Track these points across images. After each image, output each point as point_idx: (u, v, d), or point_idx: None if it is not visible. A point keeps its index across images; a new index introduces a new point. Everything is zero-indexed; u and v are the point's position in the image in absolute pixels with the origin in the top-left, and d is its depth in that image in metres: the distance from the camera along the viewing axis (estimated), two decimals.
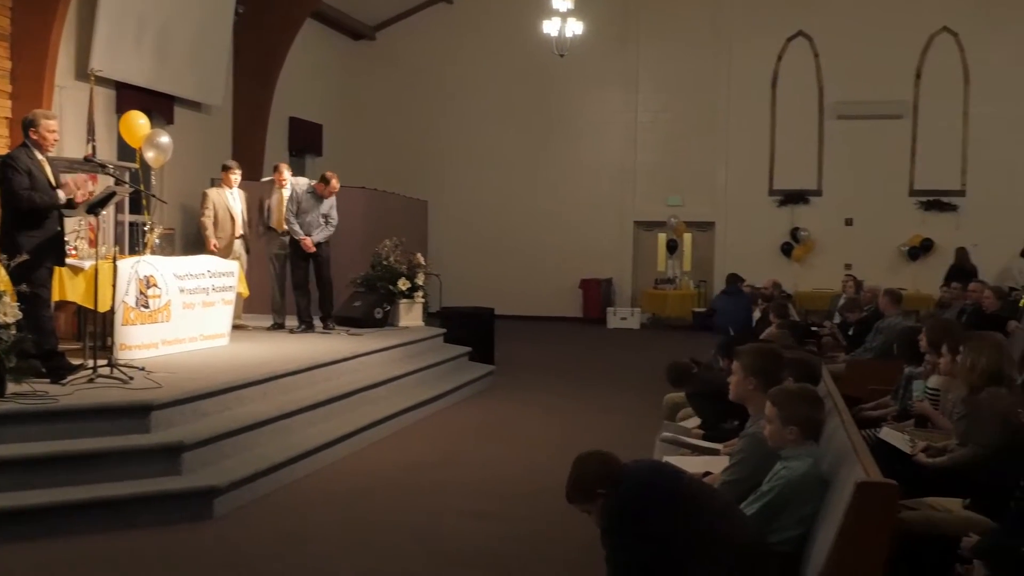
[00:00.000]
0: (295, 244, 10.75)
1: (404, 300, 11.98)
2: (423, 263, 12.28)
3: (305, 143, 19.18)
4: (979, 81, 19.02)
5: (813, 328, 11.51)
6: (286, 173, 11.27)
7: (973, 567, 3.45)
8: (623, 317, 19.87)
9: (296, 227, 10.67)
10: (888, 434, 5.48)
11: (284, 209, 10.91)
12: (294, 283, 10.88)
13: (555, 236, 20.67)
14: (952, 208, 19.20)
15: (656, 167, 20.39)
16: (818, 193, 19.84)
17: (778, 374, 4.53)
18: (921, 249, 19.14)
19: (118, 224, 10.87)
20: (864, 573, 3.10)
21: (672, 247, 20.18)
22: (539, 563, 5.27)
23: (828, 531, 3.35)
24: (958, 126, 19.16)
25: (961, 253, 17.69)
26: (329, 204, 10.83)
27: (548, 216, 20.75)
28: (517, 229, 20.83)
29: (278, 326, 11.14)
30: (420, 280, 12.15)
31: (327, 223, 10.79)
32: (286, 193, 11.02)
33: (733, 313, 13.27)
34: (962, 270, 15.68)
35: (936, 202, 19.23)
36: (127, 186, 8.33)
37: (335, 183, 10.75)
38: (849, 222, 19.65)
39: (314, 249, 10.68)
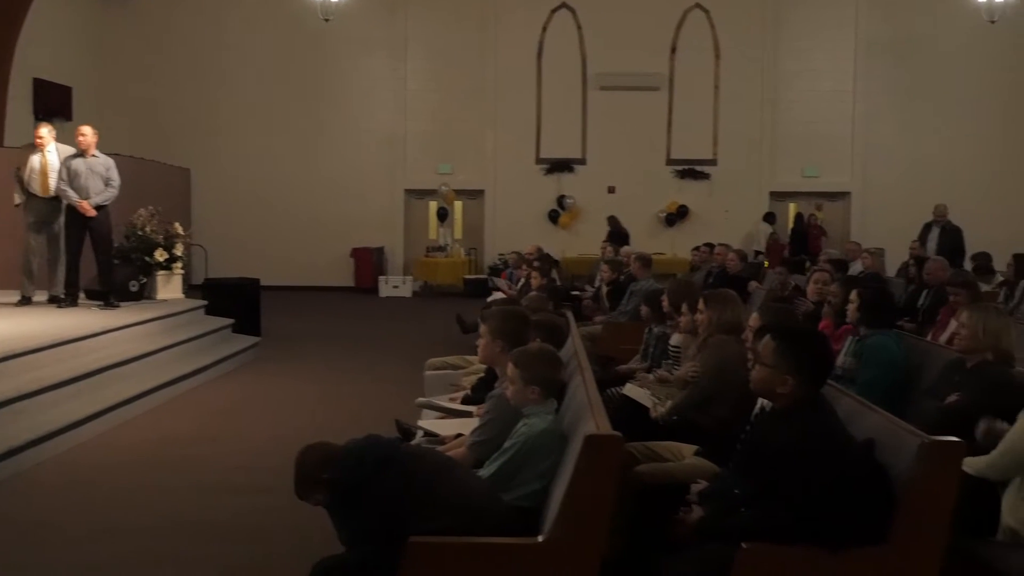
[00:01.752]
0: (71, 211, 10.12)
1: (162, 272, 11.50)
2: (182, 233, 11.82)
3: (52, 106, 17.90)
4: (728, 57, 20.14)
5: (574, 292, 11.92)
6: (43, 131, 10.47)
7: (692, 510, 3.67)
8: (395, 285, 19.89)
9: (71, 193, 10.02)
10: (631, 390, 5.76)
11: (49, 173, 10.25)
12: (68, 253, 10.26)
13: (325, 205, 20.38)
14: (705, 176, 20.32)
15: (426, 135, 20.43)
16: (583, 162, 20.49)
17: (523, 336, 4.65)
18: (678, 215, 20.16)
19: None
20: (592, 521, 3.24)
21: (443, 215, 20.34)
22: (290, 535, 5.20)
23: (563, 483, 3.48)
24: (710, 99, 20.24)
25: (613, 220, 18.65)
26: (105, 165, 10.24)
27: (318, 185, 20.42)
28: (286, 198, 20.37)
29: (26, 300, 10.45)
30: (179, 251, 11.68)
31: (108, 186, 10.21)
32: (50, 156, 10.31)
33: None
34: (617, 234, 16.78)
35: (691, 171, 20.29)
36: None
37: (82, 128, 10.19)
38: (612, 190, 20.41)
39: (93, 212, 10.06)
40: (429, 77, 20.49)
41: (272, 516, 5.55)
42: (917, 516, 3.25)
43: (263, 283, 13.50)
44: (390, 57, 20.46)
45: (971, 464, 4.01)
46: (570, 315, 7.46)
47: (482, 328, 4.75)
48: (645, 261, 10.73)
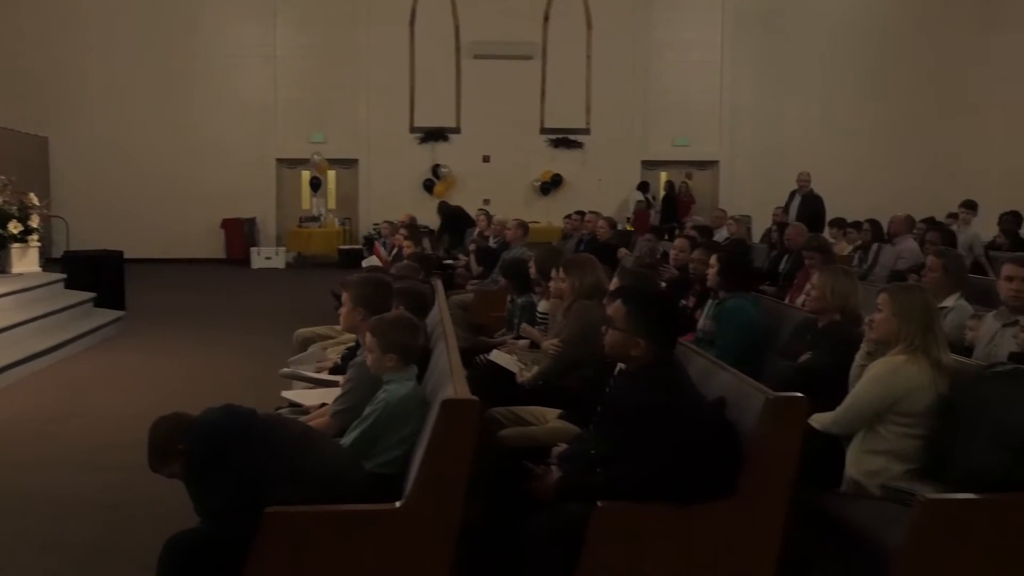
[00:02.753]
0: None
1: (16, 244, 10.99)
2: (37, 203, 11.32)
3: None
4: (599, 26, 20.29)
5: (447, 261, 11.91)
6: None
7: (551, 471, 3.72)
8: (268, 257, 19.52)
9: None
10: (498, 356, 5.79)
11: None
12: None
13: (194, 174, 19.80)
14: (579, 145, 20.49)
15: (297, 103, 20.03)
16: (457, 131, 20.41)
17: (385, 304, 4.62)
18: (552, 184, 20.30)
19: None
20: (450, 486, 3.25)
21: (316, 185, 20.03)
22: (149, 512, 5.08)
23: (423, 449, 3.48)
24: (582, 68, 20.38)
25: (443, 206, 18.43)
26: None
27: (186, 154, 19.82)
28: (153, 168, 19.71)
29: None
30: (35, 223, 11.19)
31: None
32: None
33: None
34: (451, 217, 16.73)
35: (564, 140, 20.43)
36: None
37: None
38: (487, 159, 20.41)
39: None
40: (299, 44, 20.06)
41: (131, 493, 5.41)
42: (763, 469, 3.37)
43: (129, 256, 13.09)
44: (259, 23, 19.94)
45: (818, 420, 4.17)
46: (439, 283, 7.44)
47: (344, 296, 4.70)
48: (525, 228, 10.85)
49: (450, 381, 3.70)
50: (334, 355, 6.54)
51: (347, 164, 20.50)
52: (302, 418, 4.68)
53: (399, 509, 3.26)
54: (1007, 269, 5.25)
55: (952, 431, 3.89)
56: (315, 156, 19.70)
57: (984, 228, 12.98)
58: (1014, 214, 11.75)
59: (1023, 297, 5.09)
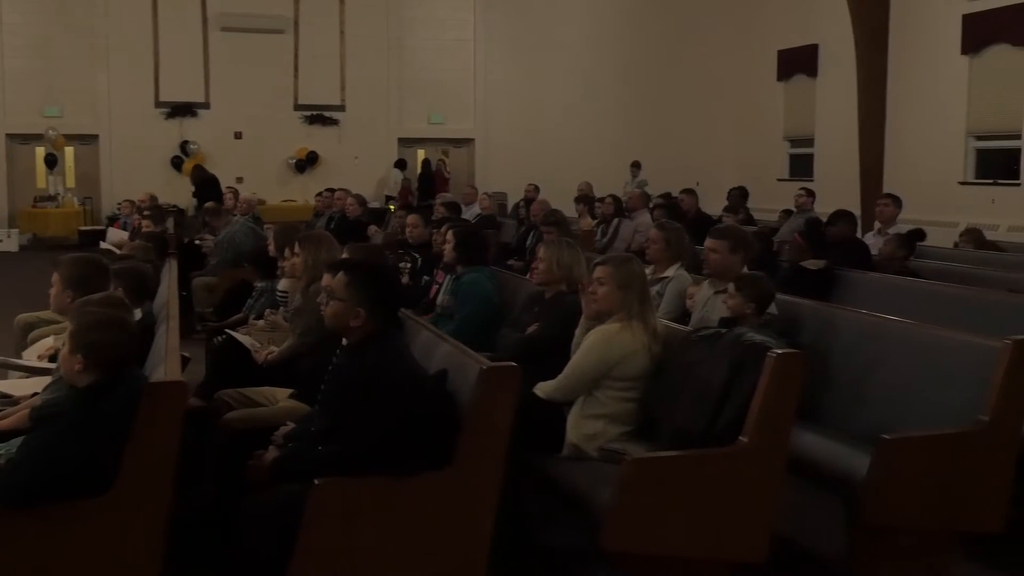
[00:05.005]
0: None
1: None
2: None
3: None
4: (353, 1, 20.01)
5: (197, 241, 11.48)
6: None
7: (270, 451, 3.67)
8: None
9: None
10: (237, 333, 5.66)
11: None
12: None
13: None
14: (334, 122, 20.18)
15: (28, 74, 18.58)
16: (206, 106, 19.62)
17: (99, 285, 4.39)
18: (307, 162, 19.92)
19: None
20: (156, 472, 3.12)
21: (52, 162, 18.76)
22: None
23: None
24: (336, 43, 20.05)
25: (198, 170, 17.96)
26: None
27: None
28: None
29: None
30: None
31: None
32: None
33: None
34: (205, 182, 16.48)
35: (319, 116, 20.05)
36: None
37: None
38: (239, 135, 19.72)
39: None
40: (30, 10, 18.61)
41: None
42: (479, 437, 3.43)
43: None
44: None
45: (542, 388, 4.32)
46: (172, 263, 7.16)
47: (54, 277, 4.44)
48: (215, 212, 10.80)
49: (163, 363, 3.57)
50: (57, 342, 6.17)
51: (87, 140, 19.28)
52: (9, 409, 4.41)
53: (103, 501, 3.08)
54: (708, 241, 5.52)
55: (662, 393, 4.12)
56: (50, 131, 18.40)
57: (717, 203, 13.86)
58: (740, 189, 12.58)
59: (718, 268, 5.39)
